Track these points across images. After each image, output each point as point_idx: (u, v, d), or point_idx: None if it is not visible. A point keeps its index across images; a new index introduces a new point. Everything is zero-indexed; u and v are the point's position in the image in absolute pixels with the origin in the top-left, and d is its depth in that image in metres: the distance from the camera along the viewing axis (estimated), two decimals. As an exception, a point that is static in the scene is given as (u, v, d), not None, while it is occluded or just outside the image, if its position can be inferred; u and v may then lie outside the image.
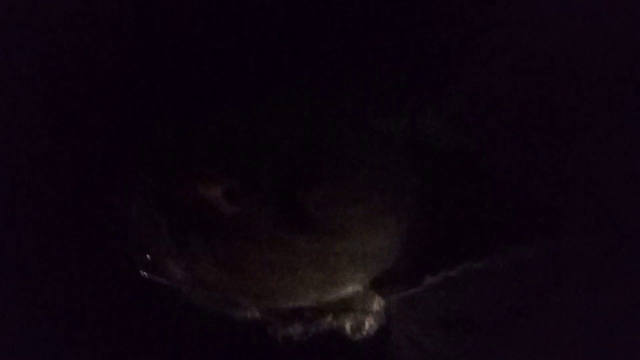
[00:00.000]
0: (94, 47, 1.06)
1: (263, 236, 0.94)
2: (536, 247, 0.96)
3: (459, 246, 0.98)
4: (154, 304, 1.13)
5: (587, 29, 1.00)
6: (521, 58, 1.03)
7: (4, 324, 1.13)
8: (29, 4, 1.08)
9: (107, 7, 1.07)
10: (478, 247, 0.96)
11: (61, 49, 1.07)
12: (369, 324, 1.19)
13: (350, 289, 1.04)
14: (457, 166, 1.01)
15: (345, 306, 1.13)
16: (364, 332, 1.19)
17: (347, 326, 1.19)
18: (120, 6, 1.06)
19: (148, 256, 1.00)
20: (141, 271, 1.05)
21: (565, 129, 1.00)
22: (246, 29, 1.02)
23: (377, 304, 1.18)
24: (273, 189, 0.92)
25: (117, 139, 1.03)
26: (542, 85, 1.02)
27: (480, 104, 1.00)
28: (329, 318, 1.15)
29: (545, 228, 0.98)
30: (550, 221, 0.99)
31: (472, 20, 1.03)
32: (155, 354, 1.17)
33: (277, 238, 0.94)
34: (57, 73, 1.06)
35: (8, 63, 1.08)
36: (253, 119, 1.00)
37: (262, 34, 1.02)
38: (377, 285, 1.05)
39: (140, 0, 1.06)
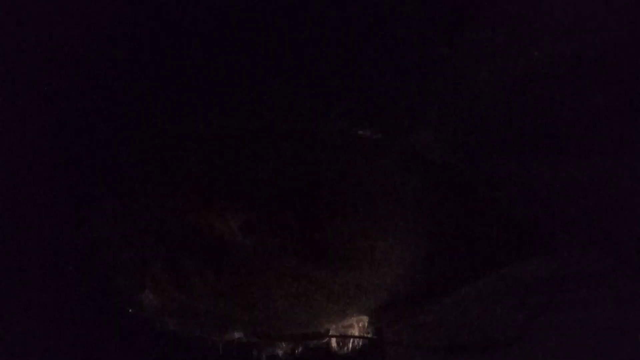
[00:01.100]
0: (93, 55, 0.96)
1: (275, 267, 0.90)
2: (537, 265, 0.96)
3: (461, 267, 0.97)
4: (129, 326, 1.06)
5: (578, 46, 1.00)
6: (514, 73, 1.02)
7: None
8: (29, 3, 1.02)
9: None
10: (481, 266, 0.96)
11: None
12: (370, 349, 1.18)
13: (356, 317, 1.02)
14: (459, 188, 1.00)
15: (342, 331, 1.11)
16: (349, 345, 1.17)
17: (333, 342, 1.16)
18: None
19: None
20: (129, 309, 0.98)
21: (561, 145, 1.00)
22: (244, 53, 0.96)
23: (361, 324, 1.16)
24: (288, 221, 0.88)
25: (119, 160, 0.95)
26: (535, 101, 1.01)
27: (480, 122, 0.99)
28: (314, 338, 1.12)
29: (541, 246, 0.98)
30: (546, 239, 0.99)
31: (462, 37, 1.01)
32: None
33: (290, 268, 0.90)
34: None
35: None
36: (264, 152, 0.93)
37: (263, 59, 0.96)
38: (383, 313, 1.03)
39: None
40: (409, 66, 0.99)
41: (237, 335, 1.09)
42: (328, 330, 1.04)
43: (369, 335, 1.08)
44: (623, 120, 0.99)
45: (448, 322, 0.96)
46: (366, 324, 1.14)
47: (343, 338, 1.17)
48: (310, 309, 0.95)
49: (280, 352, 1.13)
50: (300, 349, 1.13)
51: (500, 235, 0.98)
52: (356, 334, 1.17)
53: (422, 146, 0.99)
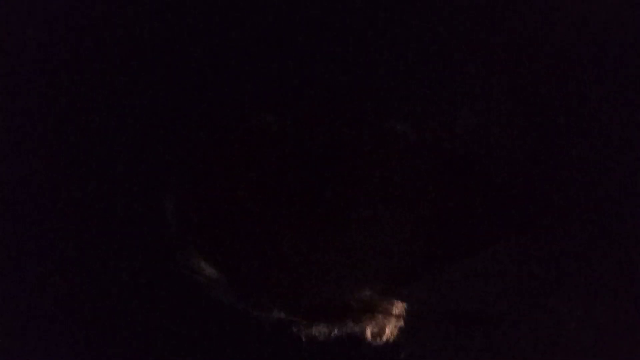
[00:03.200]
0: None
1: (290, 232, 1.02)
2: (540, 239, 1.02)
3: (465, 242, 1.04)
4: (182, 303, 1.17)
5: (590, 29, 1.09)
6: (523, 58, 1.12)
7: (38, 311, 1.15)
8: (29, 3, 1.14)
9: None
10: (483, 240, 1.03)
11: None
12: (390, 329, 1.24)
13: (370, 288, 1.11)
14: (463, 163, 1.09)
15: (366, 308, 1.19)
16: (384, 338, 1.24)
17: (368, 331, 1.23)
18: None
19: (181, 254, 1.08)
20: (176, 268, 1.11)
21: (564, 125, 1.08)
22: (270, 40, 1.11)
23: (397, 309, 1.23)
24: (297, 189, 1.01)
25: (155, 140, 1.09)
26: (541, 82, 1.10)
27: (483, 101, 1.08)
28: (351, 319, 1.20)
29: (545, 222, 1.04)
30: (549, 216, 1.05)
31: (475, 28, 1.12)
32: (182, 353, 1.20)
33: (303, 234, 1.02)
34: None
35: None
36: (281, 124, 1.09)
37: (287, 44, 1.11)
38: (395, 283, 1.12)
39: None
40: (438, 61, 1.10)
41: (280, 315, 1.19)
42: (351, 305, 1.12)
43: (396, 315, 1.14)
44: (628, 106, 1.07)
45: (456, 296, 1.02)
46: (401, 310, 1.21)
47: (378, 329, 1.24)
48: (330, 272, 1.04)
49: (318, 334, 1.21)
50: (335, 331, 1.21)
51: (506, 212, 1.05)
52: (392, 324, 1.24)
53: (442, 131, 1.09)
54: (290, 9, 1.12)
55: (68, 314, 1.14)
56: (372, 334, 1.25)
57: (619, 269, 0.97)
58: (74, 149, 1.16)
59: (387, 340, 1.25)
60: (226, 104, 1.15)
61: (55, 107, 1.17)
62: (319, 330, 1.22)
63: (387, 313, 1.23)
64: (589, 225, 1.01)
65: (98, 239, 1.16)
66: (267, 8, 1.13)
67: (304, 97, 1.09)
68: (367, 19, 1.12)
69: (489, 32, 1.11)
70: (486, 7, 1.11)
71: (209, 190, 1.13)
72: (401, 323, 1.25)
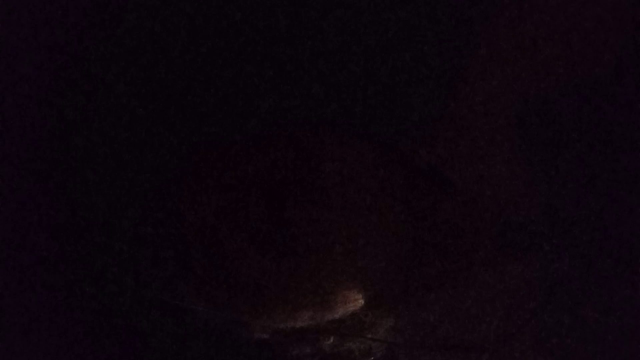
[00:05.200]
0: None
1: (254, 258, 1.00)
2: (529, 264, 0.98)
3: (450, 263, 1.01)
4: (165, 326, 1.18)
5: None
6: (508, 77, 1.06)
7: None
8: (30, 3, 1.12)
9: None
10: (470, 264, 1.00)
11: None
12: (376, 348, 1.22)
13: (349, 309, 1.08)
14: (446, 181, 1.04)
15: (348, 328, 1.17)
16: (371, 357, 1.22)
17: (355, 350, 1.22)
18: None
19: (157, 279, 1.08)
20: (152, 292, 1.12)
21: (555, 146, 1.02)
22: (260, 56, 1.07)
23: (383, 328, 1.21)
24: (261, 208, 0.99)
25: (130, 165, 1.09)
26: (532, 102, 1.05)
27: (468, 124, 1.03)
28: (333, 339, 1.18)
29: (534, 248, 1.00)
30: (538, 241, 1.01)
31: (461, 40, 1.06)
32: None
33: (267, 259, 1.00)
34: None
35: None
36: (245, 141, 1.06)
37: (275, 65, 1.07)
38: (375, 305, 1.09)
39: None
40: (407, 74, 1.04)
41: (264, 335, 1.19)
42: (337, 325, 1.10)
43: (375, 338, 1.12)
44: (619, 125, 1.00)
45: (445, 321, 0.99)
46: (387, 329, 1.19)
47: (365, 349, 1.22)
48: (290, 300, 1.02)
49: (301, 354, 1.20)
50: (321, 352, 1.20)
51: (491, 236, 1.01)
52: (378, 344, 1.22)
53: (408, 146, 1.04)
54: (276, 19, 1.08)
55: (42, 337, 1.17)
56: (360, 353, 1.24)
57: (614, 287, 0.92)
58: (50, 170, 1.15)
59: (374, 359, 1.24)
60: (206, 118, 1.12)
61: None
62: (303, 351, 1.22)
63: (373, 334, 1.21)
64: (586, 241, 0.96)
65: (73, 268, 1.16)
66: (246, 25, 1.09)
67: (286, 111, 1.06)
68: (355, 31, 1.07)
69: (478, 39, 1.04)
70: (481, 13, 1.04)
71: (188, 209, 1.12)
72: (387, 343, 1.23)
